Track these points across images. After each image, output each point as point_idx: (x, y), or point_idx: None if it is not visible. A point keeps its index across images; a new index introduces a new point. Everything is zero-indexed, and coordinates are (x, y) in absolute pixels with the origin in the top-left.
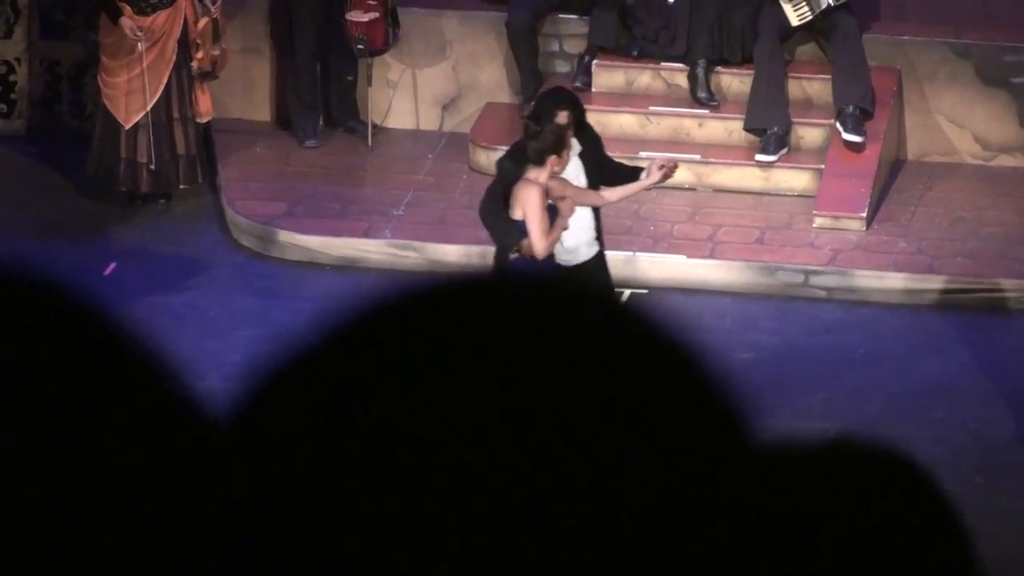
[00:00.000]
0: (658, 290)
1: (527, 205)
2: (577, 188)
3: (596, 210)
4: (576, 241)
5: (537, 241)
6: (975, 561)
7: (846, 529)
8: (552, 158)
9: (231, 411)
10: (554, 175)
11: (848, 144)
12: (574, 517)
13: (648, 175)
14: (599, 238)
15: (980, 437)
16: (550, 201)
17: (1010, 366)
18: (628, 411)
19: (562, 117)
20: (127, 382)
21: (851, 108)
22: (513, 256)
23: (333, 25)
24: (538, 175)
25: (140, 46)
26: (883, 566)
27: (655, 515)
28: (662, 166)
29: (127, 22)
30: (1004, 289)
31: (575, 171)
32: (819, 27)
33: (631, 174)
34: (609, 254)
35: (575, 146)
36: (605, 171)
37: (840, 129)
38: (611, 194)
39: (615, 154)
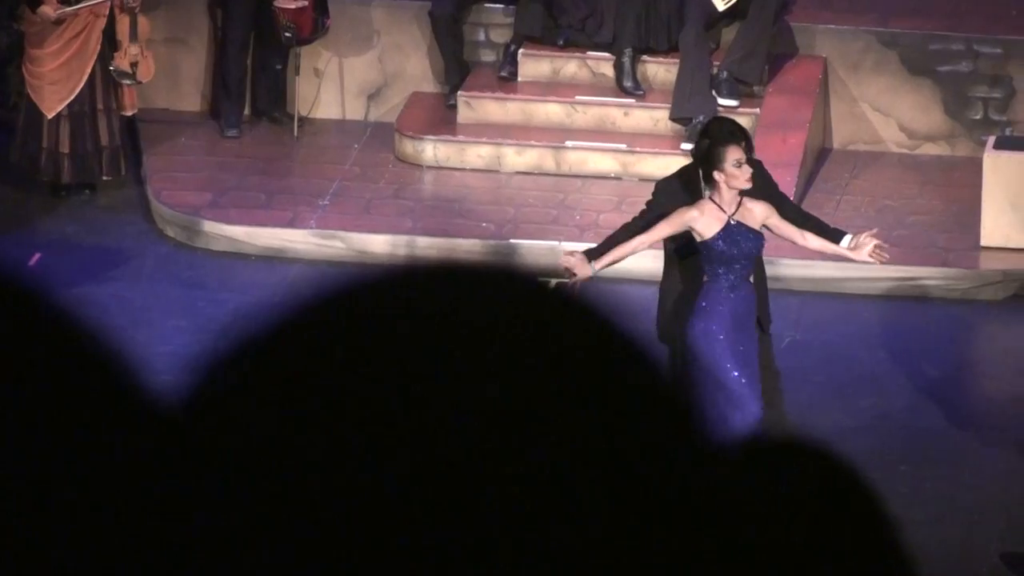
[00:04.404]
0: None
1: None
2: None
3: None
4: None
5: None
6: (900, 548)
7: (772, 519)
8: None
9: (181, 401)
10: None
11: (725, 108)
12: (526, 502)
13: (855, 248)
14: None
15: (906, 425)
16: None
17: (935, 354)
18: (567, 396)
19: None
20: (71, 371)
21: (724, 74)
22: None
23: (263, 14)
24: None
25: (66, 27)
26: (808, 556)
27: (600, 501)
28: (878, 246)
29: (47, 9)
30: (929, 277)
31: None
32: (743, 12)
33: (818, 225)
34: (534, 243)
35: None
36: (784, 212)
37: (715, 95)
38: (812, 240)
39: (540, 143)
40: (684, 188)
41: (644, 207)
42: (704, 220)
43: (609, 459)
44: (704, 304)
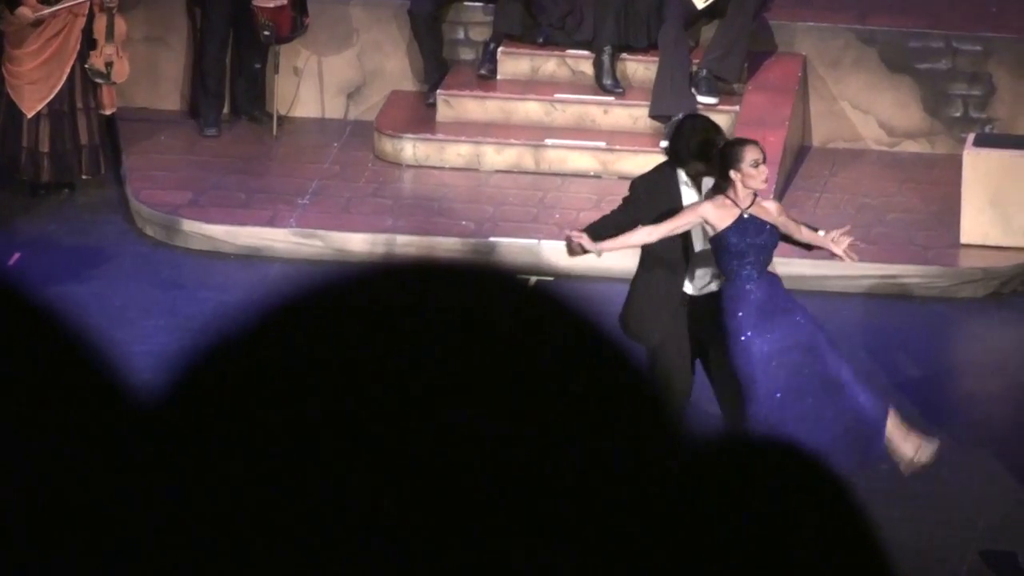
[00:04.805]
0: (564, 278)
1: None
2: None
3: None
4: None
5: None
6: (880, 546)
7: (751, 515)
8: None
9: (160, 399)
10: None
11: (705, 106)
12: (508, 499)
13: (833, 241)
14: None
15: None
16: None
17: (915, 352)
18: (547, 393)
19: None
20: (49, 369)
21: (704, 72)
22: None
23: (242, 13)
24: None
25: (44, 28)
26: (787, 554)
27: (581, 497)
28: (852, 244)
29: (25, 10)
30: (909, 275)
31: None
32: (722, 9)
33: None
34: (513, 242)
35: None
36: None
37: (694, 93)
38: (806, 233)
39: (519, 141)
40: (662, 185)
41: (621, 203)
42: (717, 213)
43: (590, 455)
44: (728, 307)
